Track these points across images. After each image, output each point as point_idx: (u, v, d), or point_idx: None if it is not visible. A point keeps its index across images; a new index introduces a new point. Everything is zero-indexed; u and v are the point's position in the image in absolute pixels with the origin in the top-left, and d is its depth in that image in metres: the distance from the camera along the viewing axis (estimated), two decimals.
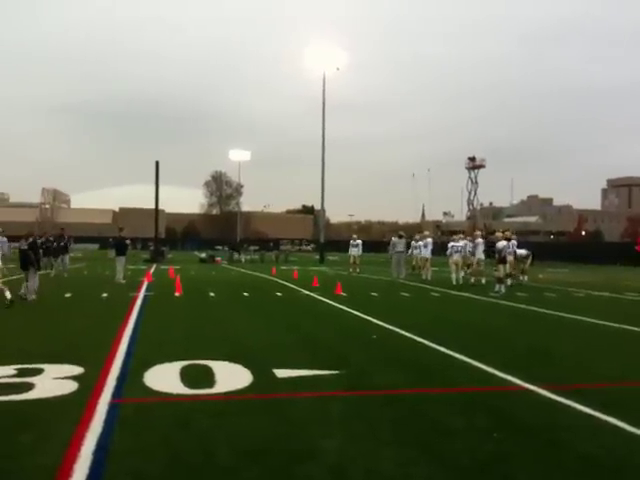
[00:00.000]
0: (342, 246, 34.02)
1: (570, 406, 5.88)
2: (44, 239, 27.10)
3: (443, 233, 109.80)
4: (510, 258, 20.13)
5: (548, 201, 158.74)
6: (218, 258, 46.89)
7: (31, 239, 15.90)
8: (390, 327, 11.14)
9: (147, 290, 18.66)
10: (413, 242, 28.65)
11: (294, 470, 4.24)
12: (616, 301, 18.11)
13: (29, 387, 6.22)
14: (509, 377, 7.09)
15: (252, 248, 53.31)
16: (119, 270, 22.05)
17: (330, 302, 15.78)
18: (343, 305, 14.88)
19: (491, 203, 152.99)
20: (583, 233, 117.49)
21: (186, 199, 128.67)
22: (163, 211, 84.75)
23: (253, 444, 4.72)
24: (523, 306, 15.51)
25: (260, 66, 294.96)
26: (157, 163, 47.33)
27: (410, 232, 48.97)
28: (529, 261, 25.24)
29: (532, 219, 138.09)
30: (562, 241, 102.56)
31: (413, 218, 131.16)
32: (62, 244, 27.03)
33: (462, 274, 22.63)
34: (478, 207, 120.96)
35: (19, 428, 5.01)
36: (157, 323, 11.69)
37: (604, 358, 8.76)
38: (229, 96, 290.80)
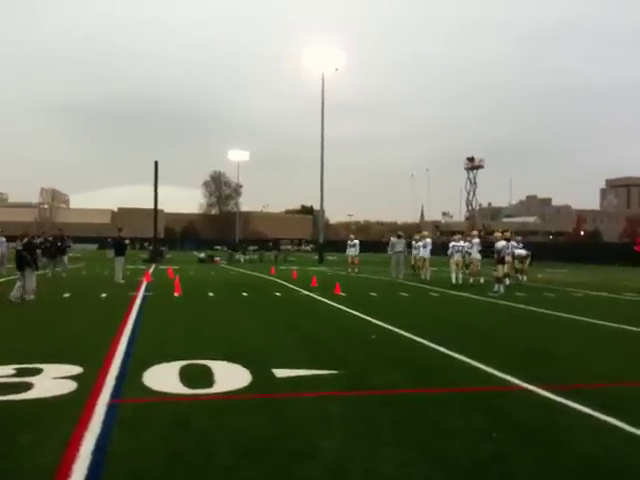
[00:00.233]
0: (341, 246, 34.07)
1: (569, 406, 5.88)
2: (42, 239, 27.11)
3: (442, 233, 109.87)
4: (509, 258, 20.16)
5: (547, 201, 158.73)
6: (217, 258, 46.88)
7: (26, 239, 15.80)
8: (389, 327, 11.14)
9: (146, 290, 18.65)
10: (413, 242, 28.69)
11: (293, 470, 4.24)
12: (614, 301, 18.12)
13: (28, 387, 6.22)
14: (508, 377, 7.09)
15: (251, 248, 53.32)
16: (118, 270, 22.05)
17: (329, 302, 15.78)
18: (342, 305, 14.88)
19: (490, 203, 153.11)
20: (582, 233, 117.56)
21: (185, 199, 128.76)
22: (162, 211, 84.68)
23: (252, 444, 4.72)
24: (522, 306, 15.52)
25: (260, 66, 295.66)
26: (156, 163, 47.38)
27: (409, 232, 49.03)
28: (528, 261, 25.28)
29: (531, 219, 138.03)
30: (561, 241, 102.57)
31: (412, 218, 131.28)
32: (60, 245, 27.02)
33: (461, 274, 22.63)
34: (477, 207, 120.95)
35: (18, 428, 5.00)
36: (156, 323, 11.69)
37: (603, 358, 8.77)
38: (229, 96, 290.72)
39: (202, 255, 48.28)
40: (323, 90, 51.79)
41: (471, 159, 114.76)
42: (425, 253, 25.86)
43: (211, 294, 17.70)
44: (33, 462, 4.29)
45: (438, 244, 50.02)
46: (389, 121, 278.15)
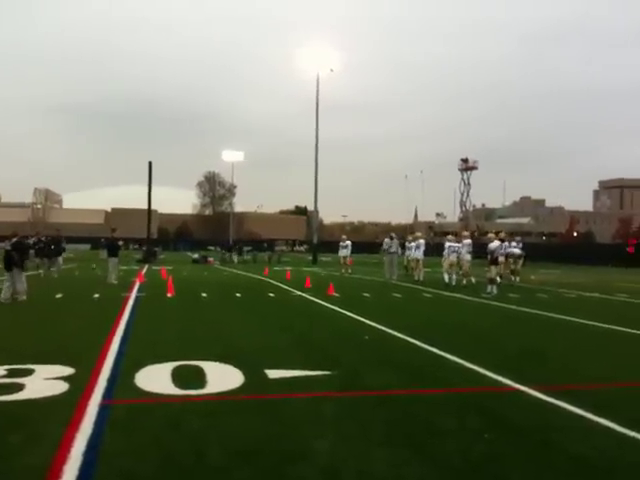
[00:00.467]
0: (335, 247, 34.12)
1: (561, 407, 5.89)
2: (36, 239, 27.02)
3: (436, 234, 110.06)
4: (502, 259, 20.20)
5: (540, 202, 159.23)
6: (210, 259, 46.85)
7: (15, 239, 15.71)
8: (382, 328, 11.14)
9: (139, 291, 18.60)
10: (407, 243, 28.72)
11: (286, 471, 4.23)
12: (607, 302, 18.18)
13: (19, 388, 6.19)
14: (501, 378, 7.10)
15: (246, 249, 53.31)
16: (111, 271, 22.00)
17: (323, 303, 15.77)
18: (335, 306, 14.87)
19: (484, 204, 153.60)
20: (575, 234, 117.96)
21: (179, 200, 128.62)
22: (156, 211, 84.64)
23: (245, 445, 4.71)
24: (515, 307, 15.55)
25: (256, 67, 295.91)
26: (150, 163, 47.36)
27: (403, 233, 49.08)
28: (521, 262, 25.34)
29: (524, 220, 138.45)
30: (554, 242, 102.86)
31: (406, 219, 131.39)
32: (55, 246, 26.92)
33: (455, 275, 22.66)
34: (471, 208, 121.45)
35: (9, 428, 4.98)
36: (149, 324, 11.66)
37: (595, 359, 8.79)
38: (225, 97, 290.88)
39: (195, 256, 48.24)
40: (318, 91, 51.78)
41: (465, 160, 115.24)
42: (419, 254, 25.87)
43: (204, 295, 17.67)
44: (24, 463, 4.27)
45: (432, 245, 50.08)
46: (387, 122, 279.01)
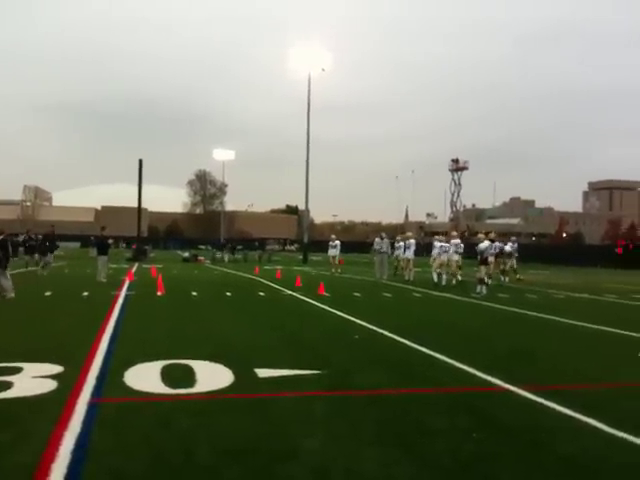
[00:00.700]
0: (325, 246, 34.19)
1: (550, 407, 5.91)
2: (27, 237, 26.88)
3: (426, 234, 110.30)
4: (491, 259, 20.27)
5: (530, 203, 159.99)
6: (201, 257, 46.77)
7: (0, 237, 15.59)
8: (372, 327, 11.14)
9: (129, 289, 18.54)
10: (395, 243, 28.80)
11: (276, 470, 4.22)
12: (596, 303, 18.27)
13: (7, 386, 6.15)
14: (490, 378, 7.12)
15: (239, 247, 53.28)
16: (100, 269, 21.92)
17: (313, 302, 15.77)
18: (326, 305, 14.87)
19: (474, 205, 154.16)
20: (564, 235, 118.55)
21: (169, 198, 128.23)
22: (146, 210, 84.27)
23: (234, 444, 4.70)
24: (504, 307, 15.60)
25: (252, 67, 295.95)
26: (140, 161, 47.20)
27: (393, 233, 49.14)
28: (510, 262, 25.44)
29: (514, 221, 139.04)
30: (543, 243, 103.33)
31: (397, 219, 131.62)
32: (49, 243, 26.81)
33: (445, 275, 22.72)
34: (461, 208, 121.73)
35: None
36: (138, 322, 11.62)
37: (583, 359, 8.84)
38: (220, 96, 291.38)
39: (186, 254, 48.16)
40: (309, 91, 51.94)
41: (456, 160, 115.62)
42: (409, 254, 25.94)
43: (194, 293, 17.63)
44: (12, 461, 4.24)
45: (422, 245, 50.17)
46: (384, 123, 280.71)
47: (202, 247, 72.09)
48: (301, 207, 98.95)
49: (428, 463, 4.42)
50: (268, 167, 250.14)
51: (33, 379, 6.54)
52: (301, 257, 51.40)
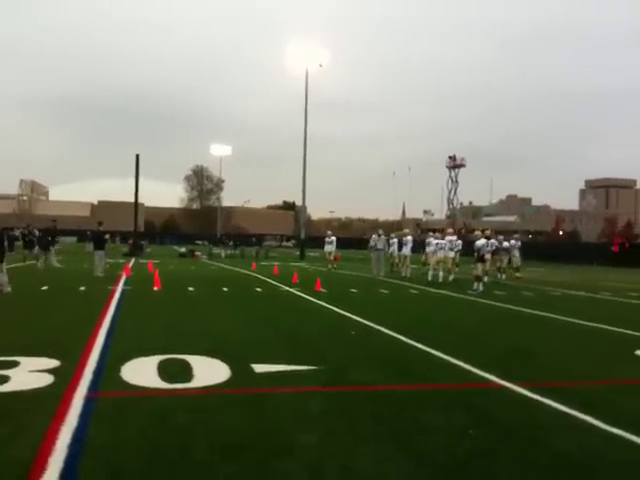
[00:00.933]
0: (322, 242, 34.23)
1: (547, 404, 5.92)
2: (26, 231, 26.80)
3: (423, 231, 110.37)
4: (488, 257, 20.28)
5: (527, 201, 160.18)
6: (198, 253, 46.74)
7: None
8: (369, 324, 11.16)
9: (125, 284, 18.52)
10: (389, 240, 28.81)
11: (272, 465, 4.22)
12: (592, 301, 18.30)
13: (4, 380, 6.14)
14: (487, 375, 7.13)
15: (238, 243, 53.28)
16: (97, 264, 21.90)
17: (310, 298, 15.77)
18: (322, 301, 14.88)
19: (471, 202, 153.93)
20: (561, 233, 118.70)
21: (166, 193, 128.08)
22: (142, 205, 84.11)
23: (231, 439, 4.70)
24: (500, 304, 15.62)
25: (250, 65, 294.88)
26: (137, 156, 47.08)
27: (390, 230, 49.17)
28: (507, 260, 25.48)
29: (511, 218, 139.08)
30: (540, 241, 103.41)
31: (394, 216, 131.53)
32: (51, 237, 26.74)
33: (441, 272, 22.74)
34: (458, 206, 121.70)
35: None
36: (135, 317, 11.61)
37: (579, 357, 8.86)
38: (217, 94, 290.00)
39: (182, 250, 48.16)
40: (307, 88, 51.96)
41: (453, 158, 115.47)
42: (406, 251, 25.99)
43: (191, 289, 17.62)
44: (9, 455, 4.24)
45: (419, 242, 50.14)
46: (379, 121, 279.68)
47: (199, 242, 72.03)
48: (298, 203, 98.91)
49: (424, 460, 4.43)
50: (265, 163, 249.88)
51: (30, 373, 6.53)
52: (298, 253, 51.41)
